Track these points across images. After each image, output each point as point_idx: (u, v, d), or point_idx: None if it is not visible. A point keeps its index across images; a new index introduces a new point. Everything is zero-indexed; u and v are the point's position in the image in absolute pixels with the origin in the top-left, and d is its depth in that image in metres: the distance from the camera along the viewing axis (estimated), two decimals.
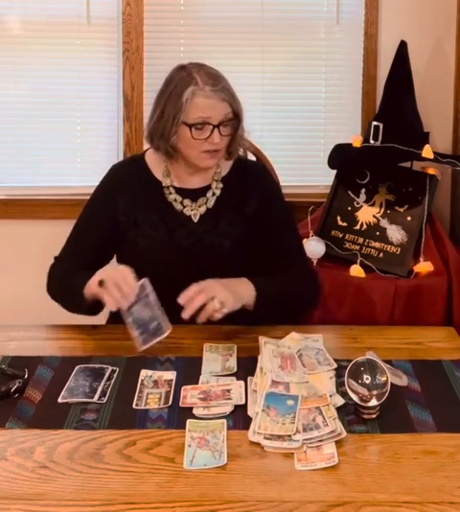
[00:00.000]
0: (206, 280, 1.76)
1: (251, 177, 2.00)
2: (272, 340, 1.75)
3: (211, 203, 1.95)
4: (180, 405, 1.51)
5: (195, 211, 1.94)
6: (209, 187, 1.97)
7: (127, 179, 1.97)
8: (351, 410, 1.49)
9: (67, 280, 1.93)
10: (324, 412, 1.43)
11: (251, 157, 2.51)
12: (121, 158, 2.76)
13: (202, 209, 1.94)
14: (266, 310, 1.87)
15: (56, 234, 2.71)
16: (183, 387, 1.57)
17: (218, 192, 1.97)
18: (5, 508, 1.21)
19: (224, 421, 1.45)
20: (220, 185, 1.97)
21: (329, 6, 2.73)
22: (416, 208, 2.37)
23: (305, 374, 1.58)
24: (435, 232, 2.40)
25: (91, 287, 1.78)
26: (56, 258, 2.02)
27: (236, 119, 1.90)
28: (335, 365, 1.63)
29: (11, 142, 2.79)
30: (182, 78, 1.87)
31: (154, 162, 1.98)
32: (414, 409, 1.51)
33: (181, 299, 1.72)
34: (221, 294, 1.74)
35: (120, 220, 1.93)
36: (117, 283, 1.72)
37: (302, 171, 2.83)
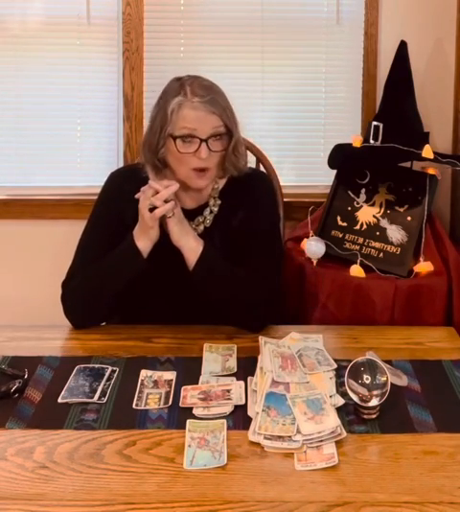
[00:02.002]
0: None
1: (244, 189, 1.94)
2: (272, 340, 1.75)
3: (209, 222, 1.91)
4: (180, 405, 1.51)
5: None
6: (206, 205, 1.93)
7: (132, 189, 1.88)
8: (351, 410, 1.49)
9: (97, 270, 1.85)
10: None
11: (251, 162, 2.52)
12: (121, 158, 2.76)
13: (200, 228, 1.91)
14: (205, 281, 1.82)
15: (56, 234, 2.74)
16: (183, 387, 1.57)
17: (215, 209, 1.92)
18: (5, 508, 1.21)
19: (224, 421, 1.45)
20: (218, 202, 1.93)
21: (329, 6, 2.72)
22: (416, 208, 2.37)
23: (305, 374, 1.58)
24: (435, 232, 2.40)
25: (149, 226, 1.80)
26: (64, 282, 1.92)
27: (228, 134, 1.82)
28: (335, 365, 1.63)
29: (11, 142, 2.78)
30: (174, 88, 1.82)
31: (152, 172, 1.93)
32: (414, 409, 1.51)
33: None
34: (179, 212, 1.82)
35: (130, 228, 1.86)
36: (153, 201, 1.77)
37: (302, 171, 2.82)
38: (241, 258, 1.88)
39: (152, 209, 1.78)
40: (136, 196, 1.83)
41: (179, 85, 1.82)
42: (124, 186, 1.94)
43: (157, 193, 1.79)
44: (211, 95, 1.80)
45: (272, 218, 1.99)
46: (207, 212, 1.93)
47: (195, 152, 1.79)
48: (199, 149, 1.78)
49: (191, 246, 1.82)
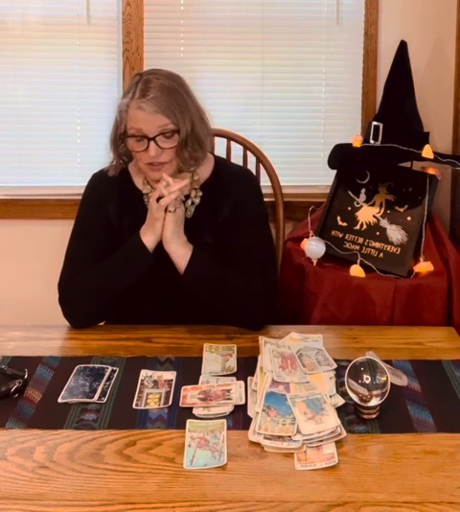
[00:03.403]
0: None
1: (228, 184, 1.96)
2: (272, 340, 1.75)
3: (190, 213, 1.93)
4: (180, 405, 1.52)
5: None
6: (188, 196, 1.94)
7: (114, 187, 1.96)
8: (351, 410, 1.49)
9: (102, 270, 1.87)
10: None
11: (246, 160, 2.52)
12: None
13: None
14: (197, 286, 1.84)
15: (56, 234, 2.73)
16: (183, 387, 1.57)
17: (197, 200, 1.94)
18: (5, 508, 1.21)
19: (224, 421, 1.45)
20: (200, 193, 1.95)
21: (329, 6, 2.72)
22: (416, 208, 2.37)
23: (305, 374, 1.58)
24: (435, 232, 2.40)
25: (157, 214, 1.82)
26: (60, 284, 1.93)
27: (178, 131, 1.83)
28: (335, 365, 1.64)
29: (11, 142, 2.78)
30: (129, 87, 1.88)
31: (136, 171, 1.97)
32: (414, 409, 1.51)
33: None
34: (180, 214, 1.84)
35: (113, 225, 1.93)
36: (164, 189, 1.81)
37: (302, 171, 2.82)
38: (233, 256, 1.89)
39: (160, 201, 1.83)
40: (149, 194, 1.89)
41: (134, 84, 1.86)
42: (106, 185, 1.98)
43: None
44: (153, 94, 1.81)
45: (261, 214, 1.99)
46: (188, 203, 1.94)
47: (145, 150, 1.83)
48: (148, 147, 1.82)
49: (179, 253, 1.84)
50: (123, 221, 1.93)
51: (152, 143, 1.81)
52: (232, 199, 1.94)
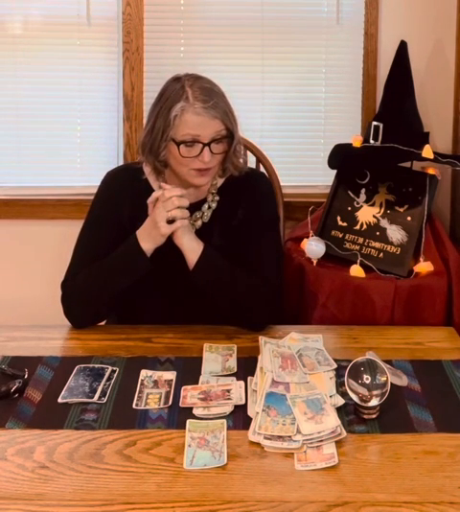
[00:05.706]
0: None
1: (243, 187, 1.95)
2: (272, 340, 1.75)
3: (207, 217, 1.93)
4: (180, 405, 1.52)
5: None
6: (205, 200, 1.94)
7: (129, 188, 1.93)
8: (351, 410, 1.49)
9: (100, 272, 1.85)
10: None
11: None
12: (121, 158, 2.76)
13: (198, 223, 1.92)
14: (205, 281, 1.84)
15: (56, 234, 2.74)
16: (183, 387, 1.57)
17: (214, 205, 1.94)
18: (5, 508, 1.21)
19: (224, 421, 1.45)
20: (217, 198, 1.94)
21: (329, 6, 2.72)
22: (416, 208, 2.37)
23: (305, 374, 1.58)
24: (435, 232, 2.40)
25: (163, 230, 1.79)
26: (63, 282, 1.91)
27: (229, 136, 1.84)
28: (335, 365, 1.64)
29: (11, 142, 2.78)
30: (174, 91, 1.81)
31: (152, 173, 1.94)
32: (414, 409, 1.51)
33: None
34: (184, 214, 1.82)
35: (125, 227, 1.89)
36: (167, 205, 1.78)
37: (302, 171, 2.82)
38: (241, 257, 1.88)
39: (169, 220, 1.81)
40: (148, 201, 1.84)
41: (180, 88, 1.81)
42: (121, 185, 1.95)
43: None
44: (213, 99, 1.80)
45: (272, 218, 2.00)
46: (205, 207, 1.94)
47: (197, 156, 1.80)
48: (202, 153, 1.80)
49: (192, 247, 1.83)
50: (136, 224, 1.88)
51: (207, 148, 1.79)
52: (245, 202, 1.94)
